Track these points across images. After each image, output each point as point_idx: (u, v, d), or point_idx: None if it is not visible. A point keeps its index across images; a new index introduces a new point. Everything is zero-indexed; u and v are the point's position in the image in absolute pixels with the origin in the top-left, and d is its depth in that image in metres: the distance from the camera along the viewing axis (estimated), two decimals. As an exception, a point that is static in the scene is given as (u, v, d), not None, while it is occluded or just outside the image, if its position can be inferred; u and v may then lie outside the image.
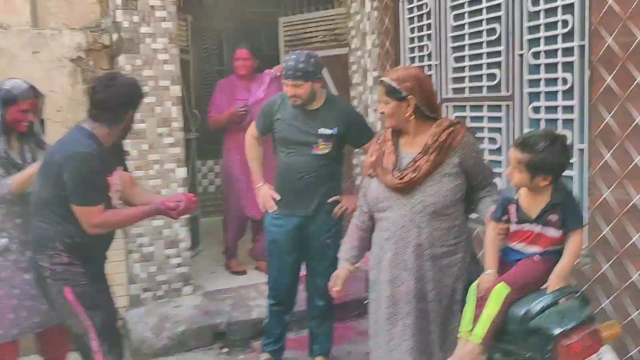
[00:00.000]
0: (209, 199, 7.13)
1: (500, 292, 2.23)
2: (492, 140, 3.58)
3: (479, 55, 3.65)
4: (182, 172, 4.47)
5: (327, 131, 3.33)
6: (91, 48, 4.13)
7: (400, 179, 2.43)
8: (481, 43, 3.62)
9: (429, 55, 4.14)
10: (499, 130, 3.54)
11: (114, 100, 2.57)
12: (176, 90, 4.40)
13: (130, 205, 2.80)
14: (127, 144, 4.27)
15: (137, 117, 4.21)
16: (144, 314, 4.28)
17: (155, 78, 4.32)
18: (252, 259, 5.30)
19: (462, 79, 3.83)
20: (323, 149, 3.34)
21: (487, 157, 3.54)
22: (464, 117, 3.81)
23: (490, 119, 3.61)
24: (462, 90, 3.84)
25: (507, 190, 2.44)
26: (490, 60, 3.56)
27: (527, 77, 3.29)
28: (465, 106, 3.81)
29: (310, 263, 3.59)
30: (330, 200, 3.42)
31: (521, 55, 3.32)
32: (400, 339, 2.48)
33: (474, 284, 2.36)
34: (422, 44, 4.22)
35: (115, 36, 4.21)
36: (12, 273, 2.90)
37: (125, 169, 2.83)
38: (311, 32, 5.55)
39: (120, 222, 2.70)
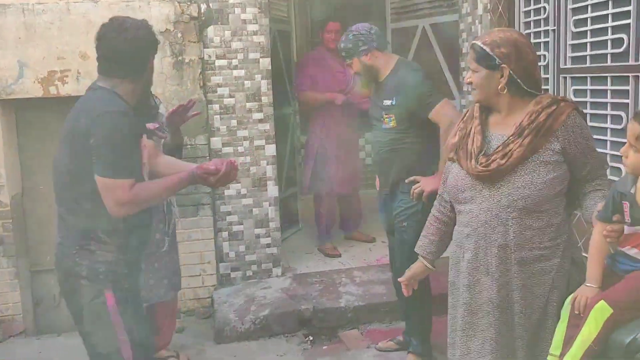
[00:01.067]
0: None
1: (600, 312, 1.79)
2: (616, 118, 3.01)
3: (604, 18, 3.06)
4: (271, 149, 4.27)
5: (387, 102, 3.09)
6: (179, 20, 4.00)
7: (486, 165, 2.01)
8: (607, 2, 3.03)
9: (546, 20, 3.58)
10: (625, 106, 2.95)
11: (134, 46, 2.16)
12: (266, 63, 4.17)
13: (159, 176, 2.39)
14: (215, 119, 4.13)
15: (226, 92, 4.15)
16: (231, 294, 4.16)
17: (244, 50, 4.13)
18: (343, 232, 5.23)
19: (583, 47, 3.26)
20: (388, 122, 3.10)
21: (609, 138, 2.99)
22: (584, 91, 3.24)
23: (615, 92, 3.03)
24: (582, 59, 3.27)
25: (620, 182, 1.95)
26: (616, 22, 2.97)
27: (662, 41, 2.69)
28: (585, 78, 3.24)
29: (394, 247, 3.30)
30: (407, 180, 3.09)
31: (656, 15, 2.72)
32: (478, 354, 2.09)
33: (569, 298, 1.92)
34: (538, 6, 3.67)
35: (203, 7, 4.05)
36: None
37: (150, 136, 2.47)
38: (419, -3, 5.10)
39: (151, 196, 2.20)
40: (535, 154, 1.98)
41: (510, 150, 1.98)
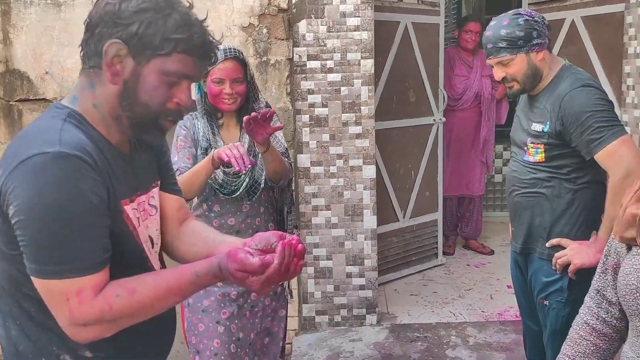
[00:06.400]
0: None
1: None
2: None
3: None
4: (370, 171, 3.48)
5: (538, 127, 2.13)
6: (265, 12, 3.33)
7: None
8: None
9: None
10: None
11: (146, 19, 1.20)
12: (368, 65, 3.39)
13: (178, 259, 1.50)
14: (304, 132, 3.43)
15: (318, 100, 3.43)
16: (313, 344, 3.44)
17: (342, 49, 3.38)
18: (463, 239, 5.01)
19: None
20: (533, 153, 2.16)
21: None
22: None
23: None
24: None
25: None
26: None
27: None
28: None
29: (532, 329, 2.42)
30: (549, 243, 2.15)
31: None
32: None
33: None
34: None
35: (294, -3, 3.35)
36: None
37: (169, 185, 1.52)
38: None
39: (138, 307, 1.20)
40: None
41: None
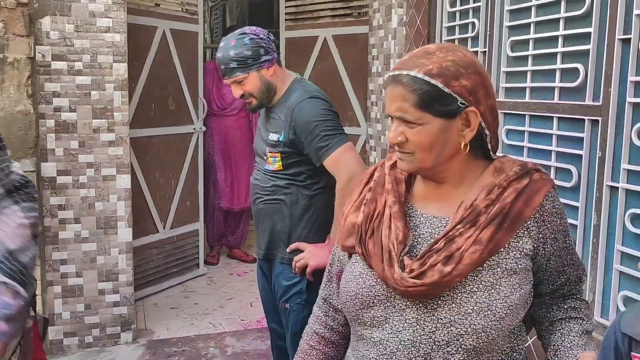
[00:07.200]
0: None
1: None
2: (565, 173, 2.32)
3: (552, 41, 2.38)
4: (125, 181, 3.30)
5: (274, 137, 2.23)
6: (2, 5, 2.97)
7: (418, 275, 1.17)
8: (557, 20, 2.35)
9: (475, 39, 2.88)
10: (577, 159, 2.27)
11: None
12: (121, 69, 3.22)
13: None
14: (49, 138, 3.14)
15: (65, 104, 3.16)
16: (61, 370, 3.15)
17: (92, 51, 3.16)
18: (227, 248, 5.05)
19: (522, 75, 2.57)
20: (272, 162, 2.25)
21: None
22: (521, 133, 2.55)
23: (564, 139, 2.35)
24: (521, 92, 2.57)
25: (626, 319, 1.15)
26: (570, 48, 2.29)
27: (633, 78, 2.02)
28: (524, 116, 2.54)
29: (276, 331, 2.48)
30: (289, 248, 2.25)
31: (626, 41, 2.05)
32: None
33: None
34: (465, 21, 2.96)
35: (36, -11, 3.05)
36: None
37: None
38: (320, 3, 4.29)
39: None
40: (495, 257, 1.19)
41: (459, 250, 1.17)
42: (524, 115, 2.53)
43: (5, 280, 1.46)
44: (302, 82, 2.32)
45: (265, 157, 2.27)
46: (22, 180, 1.59)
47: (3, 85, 3.01)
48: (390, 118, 1.22)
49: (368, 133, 3.86)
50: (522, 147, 2.53)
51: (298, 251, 2.22)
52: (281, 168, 2.23)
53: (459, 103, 1.15)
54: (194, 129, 4.35)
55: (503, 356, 1.21)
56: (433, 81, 1.14)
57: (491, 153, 1.26)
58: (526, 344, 1.30)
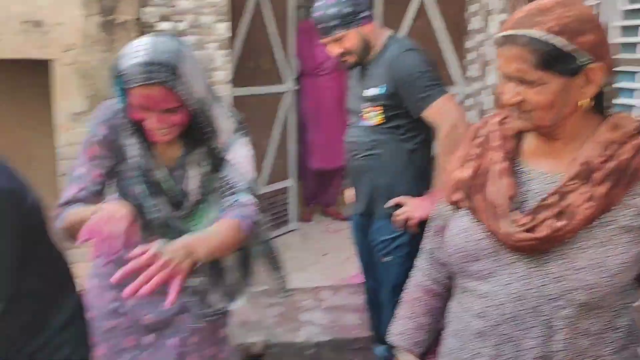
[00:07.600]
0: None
1: None
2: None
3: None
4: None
5: (372, 91, 2.23)
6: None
7: (530, 229, 1.17)
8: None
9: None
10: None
11: None
12: (222, 29, 3.31)
13: None
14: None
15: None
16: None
17: (195, 11, 3.27)
18: (322, 206, 5.06)
19: (633, 30, 2.44)
20: (370, 117, 2.26)
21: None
22: (632, 91, 2.44)
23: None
24: (632, 47, 2.45)
25: None
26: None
27: None
28: (633, 74, 2.43)
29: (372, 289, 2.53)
30: (388, 204, 2.28)
31: None
32: None
33: None
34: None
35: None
36: None
37: None
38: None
39: None
40: (609, 214, 1.17)
41: (572, 205, 1.16)
42: (634, 73, 2.41)
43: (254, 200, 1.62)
44: (396, 38, 2.33)
45: (362, 114, 2.30)
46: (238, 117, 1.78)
47: (113, 45, 3.18)
48: (501, 77, 1.21)
49: (465, 92, 3.80)
50: (631, 106, 2.42)
51: (398, 206, 2.25)
52: (382, 121, 2.25)
53: (582, 59, 1.12)
54: (288, 88, 4.41)
55: (613, 313, 1.21)
56: (555, 40, 1.11)
57: (606, 109, 1.23)
58: (636, 302, 1.28)
